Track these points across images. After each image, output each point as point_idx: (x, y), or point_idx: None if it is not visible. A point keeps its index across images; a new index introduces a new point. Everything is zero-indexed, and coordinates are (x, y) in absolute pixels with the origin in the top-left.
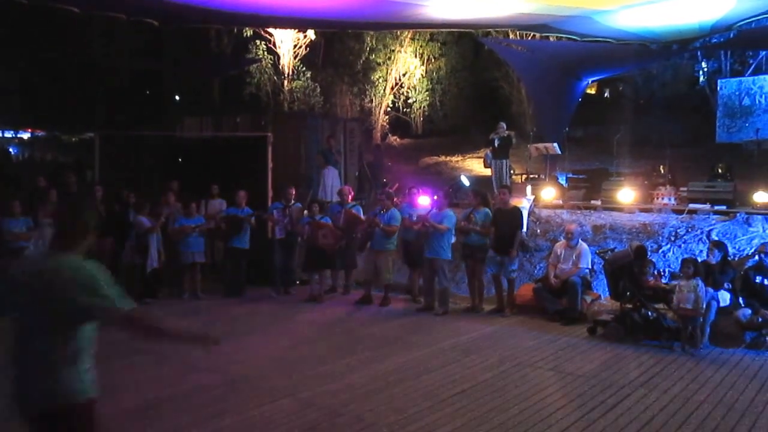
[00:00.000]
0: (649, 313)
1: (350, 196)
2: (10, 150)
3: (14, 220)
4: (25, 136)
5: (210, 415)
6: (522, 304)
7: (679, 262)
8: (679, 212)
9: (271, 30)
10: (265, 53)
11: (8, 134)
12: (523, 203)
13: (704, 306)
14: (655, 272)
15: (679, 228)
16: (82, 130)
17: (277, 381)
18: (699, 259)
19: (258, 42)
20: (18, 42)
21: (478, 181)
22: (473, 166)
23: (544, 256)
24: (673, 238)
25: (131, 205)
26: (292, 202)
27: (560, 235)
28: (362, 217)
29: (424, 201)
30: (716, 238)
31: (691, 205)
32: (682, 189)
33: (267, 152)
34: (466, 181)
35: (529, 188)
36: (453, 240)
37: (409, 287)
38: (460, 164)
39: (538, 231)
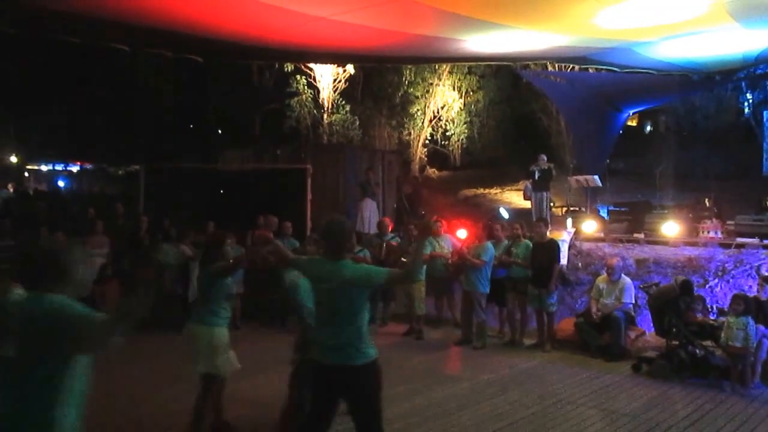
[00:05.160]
0: (697, 351)
1: (390, 228)
2: (60, 182)
3: None
4: (74, 168)
5: None
6: (563, 339)
7: (727, 297)
8: (726, 246)
9: (311, 65)
10: (306, 87)
11: (59, 167)
12: (563, 236)
13: (755, 344)
14: (701, 307)
15: (727, 262)
16: (128, 163)
17: None
18: (749, 295)
19: (298, 76)
20: (68, 78)
21: (518, 213)
22: (512, 198)
23: (585, 290)
24: (720, 273)
25: (173, 235)
26: None
27: (602, 268)
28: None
29: (461, 234)
30: (767, 274)
31: (739, 239)
32: (728, 222)
33: (306, 184)
34: (505, 214)
35: (569, 221)
36: (490, 273)
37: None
38: (498, 197)
39: (579, 264)
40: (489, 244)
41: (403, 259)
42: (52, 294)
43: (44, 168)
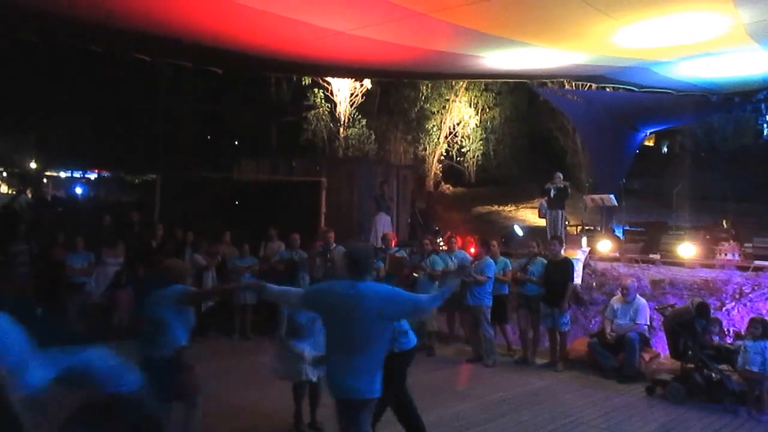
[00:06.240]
0: (713, 374)
1: (394, 242)
2: (78, 189)
3: (77, 255)
4: (92, 176)
5: None
6: (576, 358)
7: (744, 321)
8: (743, 269)
9: (329, 78)
10: (323, 101)
11: (77, 174)
12: (578, 255)
13: None
14: (717, 331)
15: (744, 285)
16: (145, 171)
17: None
18: (766, 319)
19: (316, 90)
20: (89, 86)
21: (533, 231)
22: (527, 216)
23: (599, 309)
24: (737, 296)
25: (188, 244)
26: (333, 245)
27: (616, 288)
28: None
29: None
30: None
31: (757, 262)
32: (746, 245)
33: (321, 197)
34: (519, 231)
35: (584, 240)
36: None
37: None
38: (513, 214)
39: (594, 284)
40: (490, 260)
41: (414, 274)
42: (369, 281)
43: (63, 175)
